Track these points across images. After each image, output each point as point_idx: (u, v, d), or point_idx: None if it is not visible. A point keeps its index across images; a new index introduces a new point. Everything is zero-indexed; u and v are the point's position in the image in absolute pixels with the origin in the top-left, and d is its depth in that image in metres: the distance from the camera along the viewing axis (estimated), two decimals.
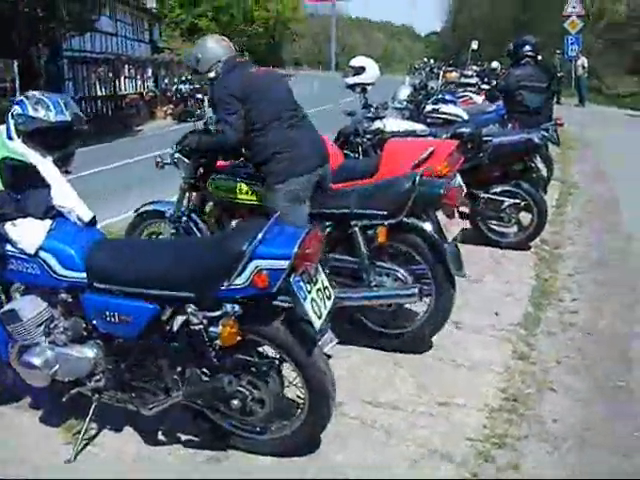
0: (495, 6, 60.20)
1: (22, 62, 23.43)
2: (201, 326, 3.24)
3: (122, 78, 35.68)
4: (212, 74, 4.99)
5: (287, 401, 3.56)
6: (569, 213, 9.21)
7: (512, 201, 7.19)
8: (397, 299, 4.71)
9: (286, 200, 4.71)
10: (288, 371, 3.45)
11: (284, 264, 3.05)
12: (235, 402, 3.37)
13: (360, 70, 8.25)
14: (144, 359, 3.55)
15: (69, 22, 23.93)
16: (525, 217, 7.32)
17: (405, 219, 4.58)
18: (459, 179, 6.16)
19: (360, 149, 7.71)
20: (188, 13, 60.70)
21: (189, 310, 3.25)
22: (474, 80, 17.71)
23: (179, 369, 3.47)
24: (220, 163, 5.51)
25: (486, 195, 7.22)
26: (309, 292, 3.21)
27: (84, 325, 3.64)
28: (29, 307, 3.65)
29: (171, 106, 28.41)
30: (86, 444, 3.72)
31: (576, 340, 5.11)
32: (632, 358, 4.83)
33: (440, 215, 4.83)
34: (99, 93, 32.74)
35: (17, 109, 3.91)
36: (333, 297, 3.43)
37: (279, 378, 3.42)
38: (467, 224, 7.18)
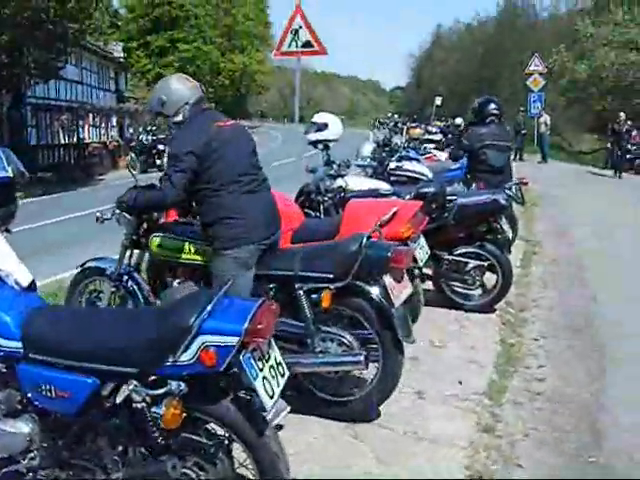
0: (458, 63, 61.35)
1: None
2: (144, 404, 2.99)
3: (86, 126, 35.44)
4: (179, 117, 4.68)
5: None
6: (534, 274, 9.11)
7: (476, 263, 7.06)
8: (342, 366, 4.52)
9: (233, 266, 4.50)
10: (239, 452, 3.20)
11: (233, 341, 2.82)
12: None
13: (323, 126, 8.12)
14: (83, 436, 3.27)
15: (34, 69, 23.75)
16: (490, 279, 7.18)
17: (352, 281, 4.41)
18: (422, 241, 6.07)
19: (322, 208, 7.54)
20: (155, 63, 60.89)
21: (131, 387, 2.99)
22: (438, 137, 17.81)
23: (120, 449, 3.20)
24: (165, 220, 5.34)
25: (450, 257, 7.09)
26: (261, 370, 2.97)
27: (19, 398, 3.34)
28: None
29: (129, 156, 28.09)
30: None
31: (544, 410, 4.92)
32: (601, 430, 4.66)
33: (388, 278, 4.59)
34: (62, 141, 32.46)
35: None
36: (287, 374, 3.20)
37: (229, 460, 3.15)
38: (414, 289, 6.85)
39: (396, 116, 35.16)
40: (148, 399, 2.98)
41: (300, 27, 11.44)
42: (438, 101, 33.57)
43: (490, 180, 8.38)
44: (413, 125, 18.08)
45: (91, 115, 36.44)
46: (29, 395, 3.23)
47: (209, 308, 2.87)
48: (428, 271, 7.06)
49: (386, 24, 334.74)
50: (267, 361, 3.05)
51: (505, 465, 4.14)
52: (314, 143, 8.29)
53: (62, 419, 3.25)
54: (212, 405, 3.02)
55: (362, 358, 4.36)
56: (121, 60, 43.67)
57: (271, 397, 2.98)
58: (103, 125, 38.53)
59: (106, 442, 3.19)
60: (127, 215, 5.11)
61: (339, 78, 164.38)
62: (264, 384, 2.96)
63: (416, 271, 6.03)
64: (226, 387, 3.05)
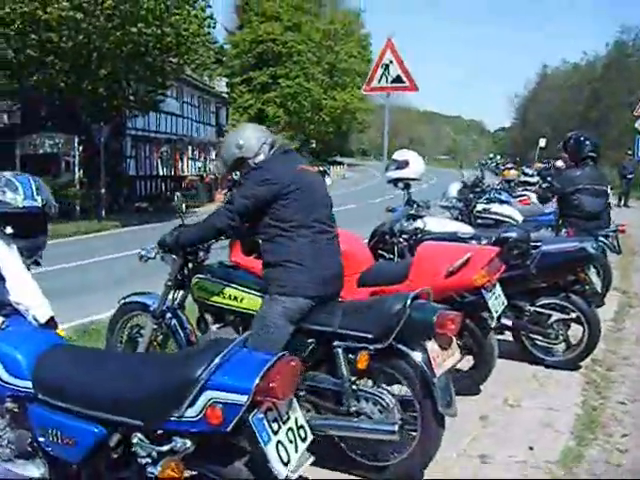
0: (564, 104, 60.09)
1: (83, 138, 23.83)
2: (149, 460, 2.70)
3: (185, 159, 36.14)
4: (261, 157, 4.49)
5: None
6: (627, 329, 8.38)
7: (560, 316, 6.52)
8: (375, 434, 4.15)
9: (279, 315, 4.25)
10: None
11: (242, 399, 2.50)
12: None
13: (403, 164, 7.78)
14: None
15: (134, 102, 24.30)
16: (575, 334, 6.63)
17: (393, 344, 4.07)
18: (498, 290, 5.63)
19: (395, 250, 7.16)
20: (256, 99, 61.86)
21: (135, 440, 2.73)
22: (535, 179, 17.13)
23: None
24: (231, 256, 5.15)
25: (532, 307, 6.57)
26: (275, 433, 2.64)
27: (30, 440, 3.17)
28: None
29: (225, 190, 28.50)
30: None
31: None
32: None
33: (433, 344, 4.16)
34: (160, 172, 33.18)
35: None
36: (310, 438, 2.84)
37: None
38: (462, 357, 6.18)
39: (498, 157, 34.55)
40: (154, 454, 2.70)
41: (391, 62, 11.21)
42: (542, 143, 32.90)
43: (584, 226, 7.86)
44: (508, 166, 17.48)
45: (190, 148, 37.15)
46: (38, 438, 3.06)
47: (217, 360, 2.57)
48: (507, 322, 6.57)
49: (492, 63, 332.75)
50: (285, 423, 2.71)
51: None
52: (394, 181, 7.96)
53: (69, 467, 3.04)
54: (223, 467, 2.71)
55: (396, 428, 4.01)
56: (224, 95, 44.46)
57: (285, 464, 2.65)
58: (202, 158, 39.22)
59: None
60: (171, 254, 4.96)
61: (442, 117, 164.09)
62: (278, 449, 2.64)
63: (491, 322, 5.60)
64: (240, 447, 2.75)
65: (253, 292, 4.68)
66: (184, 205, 5.14)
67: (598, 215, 8.20)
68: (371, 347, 4.08)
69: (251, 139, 4.51)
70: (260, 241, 4.46)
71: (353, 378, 4.23)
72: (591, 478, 3.79)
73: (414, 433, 4.14)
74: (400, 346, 4.10)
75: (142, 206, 27.65)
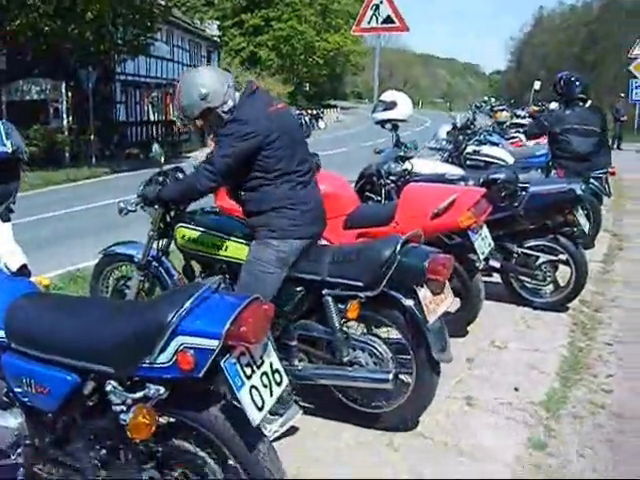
0: (560, 46, 59.50)
1: (72, 84, 23.51)
2: (123, 407, 2.65)
3: None
4: (229, 103, 4.14)
5: None
6: (616, 271, 8.36)
7: (548, 257, 6.50)
8: (369, 382, 4.08)
9: (273, 259, 4.13)
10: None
11: (213, 344, 2.44)
12: None
13: (391, 105, 7.65)
14: (67, 435, 2.98)
15: (122, 46, 23.93)
16: (563, 275, 6.61)
17: (384, 291, 3.98)
18: (485, 231, 5.59)
19: (383, 192, 7.08)
20: (249, 42, 61.09)
21: (108, 388, 2.68)
22: (526, 121, 16.96)
23: (102, 453, 2.90)
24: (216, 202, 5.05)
25: (520, 249, 6.52)
26: (248, 377, 2.59)
27: (5, 390, 3.11)
28: None
29: (212, 136, 28.41)
30: None
31: (606, 428, 4.35)
32: None
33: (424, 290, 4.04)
34: (151, 118, 32.85)
35: None
36: (285, 382, 2.80)
37: (221, 472, 2.78)
38: (455, 301, 5.96)
39: (493, 100, 34.21)
40: (129, 401, 2.65)
41: (381, 2, 11.00)
42: (537, 85, 32.63)
43: (574, 168, 7.80)
44: (500, 108, 17.25)
45: None
46: (13, 387, 3.00)
47: (188, 305, 2.51)
48: (495, 264, 6.54)
49: (489, 6, 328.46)
50: (259, 367, 2.66)
51: None
52: (382, 123, 7.85)
53: (45, 416, 2.99)
54: (197, 413, 2.67)
55: (390, 377, 3.95)
56: (215, 39, 43.81)
57: (260, 409, 2.61)
58: None
59: (86, 444, 2.91)
60: (151, 206, 4.81)
61: (438, 60, 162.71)
62: (252, 393, 2.59)
63: (478, 264, 5.56)
64: (215, 393, 2.72)
65: (239, 240, 4.53)
66: (162, 156, 4.97)
67: (588, 156, 8.12)
68: (361, 295, 4.00)
69: (215, 85, 4.11)
70: (242, 192, 4.27)
71: (345, 326, 4.16)
72: (599, 478, 3.76)
73: (409, 379, 4.10)
74: (392, 292, 4.00)
75: (133, 152, 27.38)
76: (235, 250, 4.52)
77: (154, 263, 5.01)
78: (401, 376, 4.09)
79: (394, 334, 4.18)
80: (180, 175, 4.94)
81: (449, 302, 4.23)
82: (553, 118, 8.33)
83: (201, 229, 4.71)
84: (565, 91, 8.43)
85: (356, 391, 4.26)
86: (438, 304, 4.05)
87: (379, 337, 4.19)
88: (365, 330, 4.28)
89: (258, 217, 4.20)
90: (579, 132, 7.99)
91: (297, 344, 4.23)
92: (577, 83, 8.30)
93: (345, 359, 4.09)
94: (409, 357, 4.06)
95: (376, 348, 4.10)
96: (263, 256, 4.15)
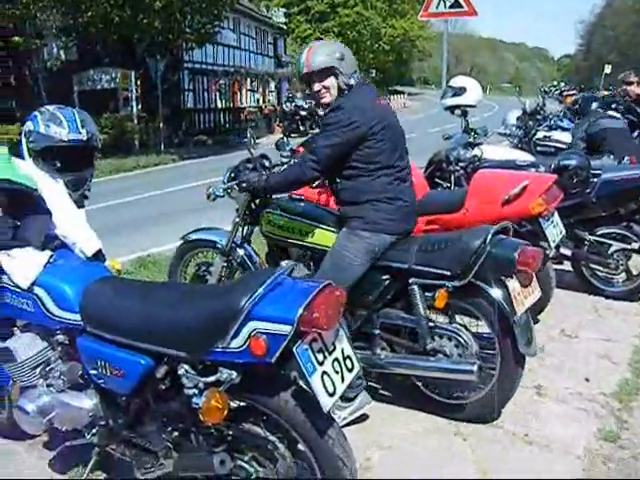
0: (632, 28, 57.91)
1: (141, 73, 23.86)
2: (195, 391, 2.70)
3: (243, 91, 35.98)
4: (352, 81, 4.16)
5: None
6: None
7: (621, 245, 6.34)
8: (452, 374, 4.00)
9: (363, 250, 4.09)
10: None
11: (285, 329, 2.46)
12: None
13: (460, 91, 7.57)
14: (141, 417, 3.06)
15: (190, 34, 24.16)
16: (636, 264, 6.47)
17: (472, 281, 3.91)
18: (557, 218, 5.49)
19: (452, 178, 7.01)
20: (315, 28, 61.07)
21: (181, 371, 2.74)
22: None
23: (174, 435, 2.97)
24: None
25: (591, 237, 6.39)
26: (320, 363, 2.60)
27: (80, 372, 3.24)
28: (25, 347, 3.31)
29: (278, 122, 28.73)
30: None
31: None
32: None
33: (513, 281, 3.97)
34: (218, 105, 33.12)
35: (29, 125, 3.51)
36: (357, 368, 2.80)
37: (291, 458, 2.82)
38: (549, 268, 5.74)
39: (562, 85, 33.51)
40: (201, 385, 2.71)
41: None
42: (607, 69, 31.95)
43: None
44: (570, 93, 16.88)
45: (248, 80, 36.94)
46: (88, 370, 3.09)
47: (260, 291, 2.53)
48: (566, 252, 6.42)
49: None
50: (330, 354, 2.68)
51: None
52: (451, 109, 7.77)
53: (119, 398, 3.09)
54: (269, 398, 2.71)
55: (475, 368, 3.88)
56: (281, 25, 43.92)
57: (331, 395, 2.62)
58: (260, 90, 39.00)
59: (159, 426, 2.99)
60: (240, 193, 4.85)
61: (505, 44, 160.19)
62: (323, 379, 2.61)
63: (549, 251, 5.47)
64: (286, 379, 2.75)
65: (326, 227, 4.52)
66: (253, 140, 5.00)
67: None
68: (449, 284, 3.93)
69: (350, 57, 4.21)
70: (338, 180, 4.25)
71: (429, 315, 4.11)
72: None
73: (492, 372, 4.03)
74: (479, 283, 3.93)
75: (201, 139, 27.71)
76: (322, 237, 4.52)
77: (237, 250, 5.04)
78: (485, 367, 4.02)
79: (478, 325, 4.14)
80: (266, 162, 4.97)
81: (536, 295, 4.12)
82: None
83: (288, 216, 4.71)
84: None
85: (437, 381, 4.22)
86: (526, 296, 3.97)
87: (464, 326, 4.13)
88: (448, 321, 4.20)
89: (352, 207, 4.17)
90: None
91: (380, 333, 4.21)
92: None
93: (429, 347, 4.06)
94: (494, 349, 3.99)
95: (461, 337, 4.05)
96: (352, 246, 4.12)
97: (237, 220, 4.97)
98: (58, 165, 3.48)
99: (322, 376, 2.60)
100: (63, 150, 3.45)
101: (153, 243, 8.96)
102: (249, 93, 37.10)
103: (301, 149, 5.20)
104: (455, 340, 4.05)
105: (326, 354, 2.65)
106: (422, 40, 72.25)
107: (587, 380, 4.72)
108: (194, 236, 5.46)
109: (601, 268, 6.48)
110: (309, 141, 5.42)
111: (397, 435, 4.04)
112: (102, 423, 3.18)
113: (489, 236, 3.90)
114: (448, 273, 3.91)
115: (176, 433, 2.97)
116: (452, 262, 3.91)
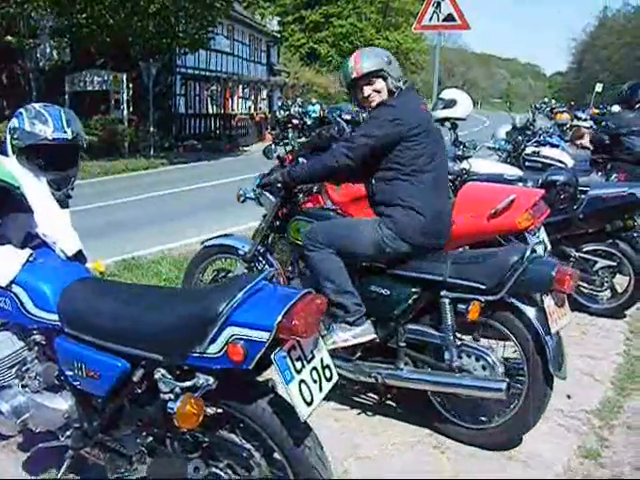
0: (624, 48, 58.29)
1: (133, 76, 23.84)
2: (171, 395, 2.66)
3: (235, 98, 35.95)
4: (400, 84, 4.19)
5: None
6: None
7: (606, 262, 6.35)
8: (479, 391, 3.86)
9: (374, 244, 4.05)
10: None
11: (264, 336, 2.42)
12: None
13: (450, 103, 7.58)
14: (116, 421, 3.01)
15: (183, 39, 24.14)
16: (621, 281, 6.46)
17: (505, 297, 3.79)
18: (542, 234, 5.49)
19: None
20: (308, 38, 61.10)
21: (157, 376, 2.69)
22: (587, 123, 16.63)
23: (149, 440, 2.92)
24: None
25: (577, 253, 6.40)
26: (298, 372, 2.56)
27: (57, 373, 3.19)
28: (1, 346, 3.25)
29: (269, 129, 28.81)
30: None
31: None
32: None
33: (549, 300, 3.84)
34: (210, 111, 33.08)
35: (14, 122, 3.48)
36: (335, 378, 2.77)
37: (268, 466, 2.76)
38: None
39: (553, 102, 33.67)
40: (177, 390, 2.66)
41: None
42: (599, 88, 32.03)
43: (633, 171, 7.60)
44: (560, 110, 16.96)
45: (241, 87, 36.91)
46: (64, 371, 3.05)
47: (240, 296, 2.49)
48: None
49: (551, 5, 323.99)
50: (309, 362, 2.63)
51: None
52: (441, 121, 7.77)
53: (94, 400, 3.05)
54: (246, 405, 2.65)
55: (504, 386, 3.74)
56: (275, 34, 43.93)
57: (308, 404, 2.57)
58: (252, 97, 38.98)
59: (134, 430, 2.95)
60: (269, 196, 4.80)
61: (497, 60, 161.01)
62: (301, 388, 2.56)
63: None
64: (263, 386, 2.71)
65: None
66: (276, 152, 4.98)
67: None
68: (482, 298, 3.79)
69: (397, 65, 4.27)
70: (373, 180, 4.18)
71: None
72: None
73: (517, 396, 3.89)
74: (513, 300, 3.81)
75: (191, 144, 27.71)
76: None
77: (260, 258, 4.96)
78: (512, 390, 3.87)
79: (505, 347, 4.05)
80: None
81: (569, 318, 4.00)
82: (618, 119, 8.12)
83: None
84: (630, 95, 8.22)
85: (457, 403, 4.11)
86: (560, 317, 3.85)
87: (490, 347, 4.03)
88: (474, 338, 4.06)
89: (385, 208, 4.11)
90: None
91: (404, 347, 4.08)
92: None
93: (454, 365, 3.92)
94: (520, 372, 3.87)
95: (489, 357, 3.91)
96: (370, 231, 4.07)
97: (263, 226, 4.91)
98: (42, 163, 3.44)
99: (300, 384, 2.55)
100: (47, 148, 3.41)
101: (138, 246, 8.91)
102: (241, 100, 37.03)
103: (289, 157, 5.16)
104: (481, 359, 3.91)
105: (304, 362, 2.60)
106: (415, 53, 72.35)
107: (569, 397, 4.68)
108: (215, 242, 5.33)
109: (586, 285, 6.47)
110: (300, 147, 5.41)
111: (376, 446, 4.00)
112: (77, 425, 3.13)
113: (527, 252, 3.82)
114: (483, 287, 3.77)
115: (151, 438, 2.92)
116: (488, 276, 3.78)
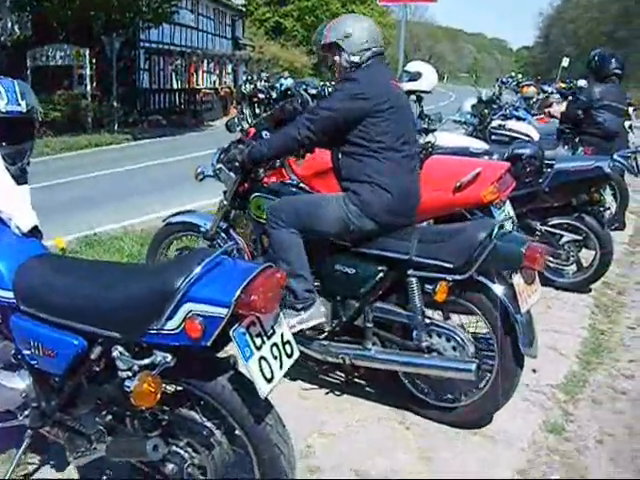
0: (591, 22, 58.58)
1: (96, 51, 23.46)
2: (129, 373, 2.59)
3: (200, 72, 35.59)
4: (356, 58, 4.05)
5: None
6: None
7: (572, 236, 6.35)
8: (449, 372, 3.80)
9: (338, 220, 3.98)
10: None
11: (222, 312, 2.36)
12: (169, 466, 2.71)
13: (416, 76, 7.49)
14: (74, 399, 2.94)
15: (146, 13, 23.77)
16: (587, 255, 6.47)
17: (474, 275, 3.71)
18: (508, 207, 5.46)
19: None
20: (274, 12, 60.59)
21: (115, 353, 2.62)
22: (554, 97, 16.69)
23: (108, 419, 2.85)
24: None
25: (543, 227, 6.38)
26: (258, 348, 2.50)
27: (13, 352, 3.08)
28: None
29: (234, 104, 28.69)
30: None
31: (626, 414, 4.24)
32: None
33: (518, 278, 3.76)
34: (174, 86, 32.75)
35: None
36: (296, 354, 2.71)
37: (229, 445, 2.72)
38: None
39: (519, 76, 33.76)
40: (135, 368, 2.59)
41: None
42: (565, 62, 32.13)
43: (601, 145, 7.59)
44: (527, 83, 16.98)
45: (205, 61, 36.53)
46: (21, 349, 2.96)
47: (197, 271, 2.42)
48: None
49: None
50: (269, 338, 2.57)
51: (567, 475, 3.54)
52: (406, 94, 7.68)
53: (52, 379, 2.97)
54: (205, 382, 2.60)
55: (474, 367, 3.67)
56: (240, 8, 43.44)
57: (269, 380, 2.52)
58: (217, 72, 38.59)
59: (92, 409, 2.88)
60: (230, 172, 4.66)
61: (464, 34, 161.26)
62: (260, 365, 2.50)
63: None
64: (223, 363, 2.65)
65: None
66: (239, 121, 4.87)
67: (616, 134, 7.92)
68: (449, 278, 3.70)
69: (361, 34, 4.04)
70: (339, 154, 4.07)
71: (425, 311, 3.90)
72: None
73: (488, 374, 3.84)
74: (481, 278, 3.72)
75: (156, 119, 27.42)
76: None
77: (222, 235, 4.86)
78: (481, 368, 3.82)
79: (475, 326, 3.98)
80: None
81: (539, 294, 3.92)
82: (589, 93, 8.04)
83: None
84: (599, 67, 8.16)
85: (427, 382, 4.07)
86: (529, 295, 3.77)
87: (460, 326, 3.95)
88: (443, 317, 3.99)
89: (350, 183, 4.02)
90: (612, 109, 7.77)
91: (372, 327, 4.00)
92: (612, 59, 8.04)
93: (423, 345, 3.85)
94: (491, 350, 3.81)
95: (458, 336, 3.83)
96: (334, 206, 4.00)
97: (224, 204, 4.79)
98: None
99: (260, 361, 2.50)
100: (1, 122, 3.33)
101: (101, 222, 8.76)
102: (205, 74, 36.63)
103: (252, 130, 5.06)
104: (451, 338, 3.84)
105: (264, 339, 2.54)
106: (382, 27, 72.01)
107: (534, 371, 4.65)
108: (177, 219, 5.21)
109: (552, 259, 6.44)
110: (261, 121, 5.30)
111: (341, 423, 3.97)
112: (35, 405, 3.05)
113: (495, 229, 3.73)
114: (450, 266, 3.68)
115: (110, 416, 2.85)
116: (455, 254, 3.68)
